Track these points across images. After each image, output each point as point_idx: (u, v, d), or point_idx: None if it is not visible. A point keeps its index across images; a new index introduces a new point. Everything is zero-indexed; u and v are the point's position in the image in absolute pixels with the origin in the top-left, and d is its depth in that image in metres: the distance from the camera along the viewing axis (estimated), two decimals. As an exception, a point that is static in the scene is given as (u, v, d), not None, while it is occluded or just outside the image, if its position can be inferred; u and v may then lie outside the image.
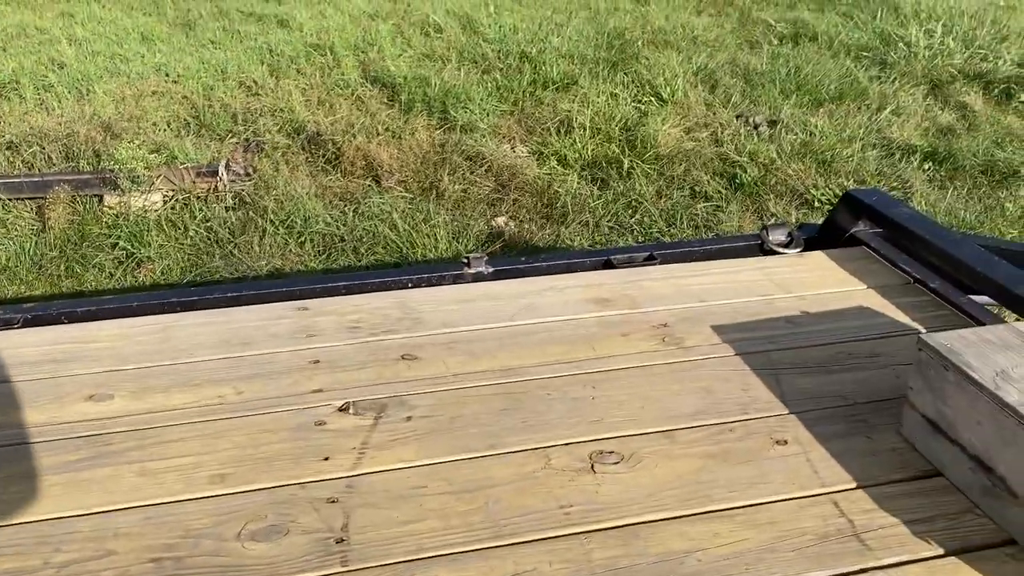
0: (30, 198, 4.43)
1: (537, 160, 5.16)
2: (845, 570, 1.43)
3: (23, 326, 2.16)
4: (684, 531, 1.51)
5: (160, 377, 1.94)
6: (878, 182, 4.98)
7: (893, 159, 5.27)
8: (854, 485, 1.62)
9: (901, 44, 6.62)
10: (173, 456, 1.70)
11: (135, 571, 1.43)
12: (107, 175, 4.48)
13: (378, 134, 5.24)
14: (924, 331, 2.08)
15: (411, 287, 2.38)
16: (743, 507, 1.57)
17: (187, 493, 1.60)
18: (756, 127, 5.56)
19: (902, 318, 2.16)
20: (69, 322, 2.19)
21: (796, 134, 5.41)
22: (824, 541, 1.49)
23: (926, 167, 5.23)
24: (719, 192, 4.90)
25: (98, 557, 1.46)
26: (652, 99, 5.74)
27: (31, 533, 1.51)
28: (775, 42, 6.83)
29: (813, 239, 2.59)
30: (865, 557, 1.46)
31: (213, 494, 1.60)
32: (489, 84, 5.89)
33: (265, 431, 1.77)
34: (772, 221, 3.91)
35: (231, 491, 1.61)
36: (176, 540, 1.49)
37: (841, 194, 2.70)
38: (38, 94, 5.54)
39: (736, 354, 2.02)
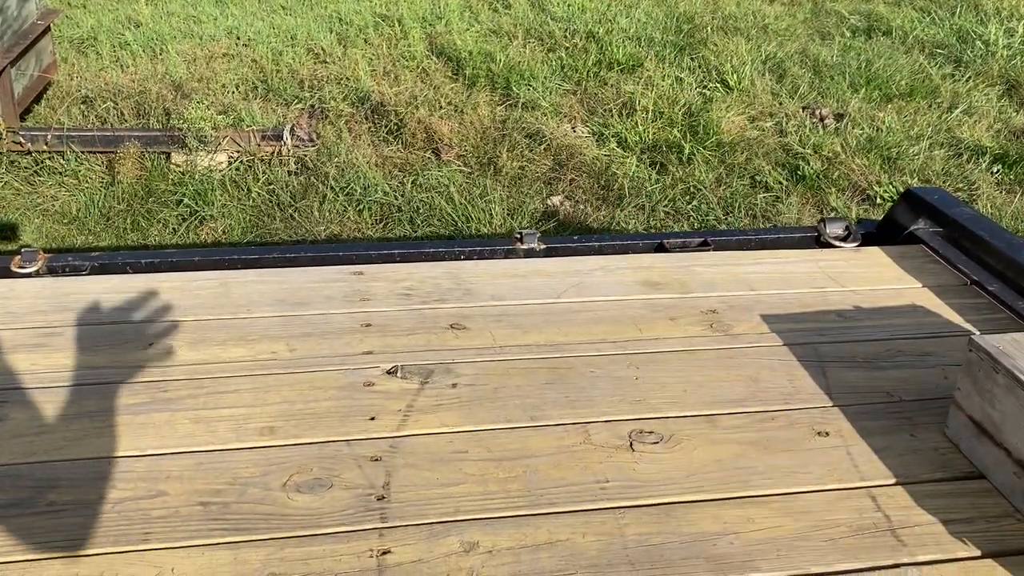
0: (101, 152, 4.56)
1: (597, 141, 5.15)
2: (878, 564, 1.44)
3: (90, 273, 2.24)
4: (718, 514, 1.53)
5: (217, 330, 2.00)
6: (943, 182, 4.88)
7: (960, 160, 5.15)
8: (893, 481, 1.62)
9: (979, 42, 6.44)
10: (226, 406, 1.75)
11: (184, 512, 1.49)
12: (176, 133, 4.59)
13: (440, 107, 5.28)
14: (977, 333, 2.05)
15: (463, 259, 2.41)
16: (780, 495, 1.58)
17: (237, 442, 1.66)
18: (822, 119, 5.48)
19: (955, 319, 2.14)
20: (133, 272, 2.27)
21: (863, 129, 5.31)
22: (859, 534, 1.49)
23: (995, 170, 5.10)
24: (780, 183, 4.85)
25: (150, 497, 1.52)
26: (718, 85, 5.69)
27: (89, 469, 1.58)
28: (847, 34, 6.70)
29: (871, 235, 2.57)
30: (899, 553, 1.46)
31: (262, 445, 1.66)
32: (554, 62, 5.88)
33: (315, 388, 1.82)
34: (832, 215, 3.86)
35: (279, 443, 1.66)
36: (224, 486, 1.55)
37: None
38: (114, 51, 5.67)
39: (784, 344, 2.01)
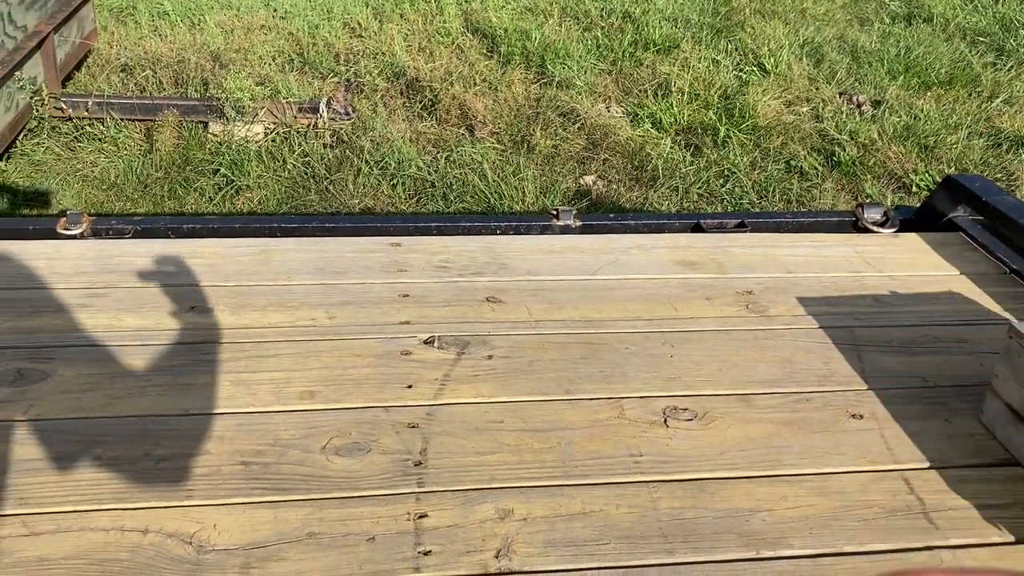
0: (140, 120, 4.60)
1: (631, 121, 5.13)
2: (910, 545, 1.44)
3: (133, 237, 2.28)
4: (752, 491, 1.54)
5: (257, 296, 2.03)
6: (982, 172, 4.82)
7: (1000, 150, 5.08)
8: (927, 465, 1.62)
9: (1022, 31, 6.33)
10: (266, 370, 1.78)
11: (226, 471, 1.52)
12: (213, 103, 4.62)
13: (475, 84, 5.27)
14: (1016, 321, 2.04)
15: (499, 234, 2.42)
16: (813, 474, 1.58)
17: (277, 405, 1.69)
18: (859, 106, 5.42)
19: (993, 307, 2.13)
20: (175, 237, 2.30)
21: (900, 116, 5.25)
22: (891, 516, 1.50)
23: (1035, 161, 5.03)
24: (815, 169, 4.81)
25: (193, 455, 1.56)
26: (754, 69, 5.64)
27: (133, 426, 1.61)
28: (887, 20, 6.61)
29: (909, 221, 2.55)
30: (932, 536, 1.46)
31: (302, 409, 1.69)
32: (589, 42, 5.85)
33: (354, 355, 1.84)
34: (869, 201, 3.82)
35: (319, 407, 1.69)
36: (265, 447, 1.58)
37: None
38: (152, 20, 5.71)
39: (820, 327, 2.01)
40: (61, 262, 2.12)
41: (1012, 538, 1.46)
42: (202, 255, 2.18)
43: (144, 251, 2.18)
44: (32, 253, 2.13)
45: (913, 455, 1.64)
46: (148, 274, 2.09)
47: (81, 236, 2.26)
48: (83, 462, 1.52)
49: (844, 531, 1.46)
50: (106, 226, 2.30)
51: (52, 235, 2.25)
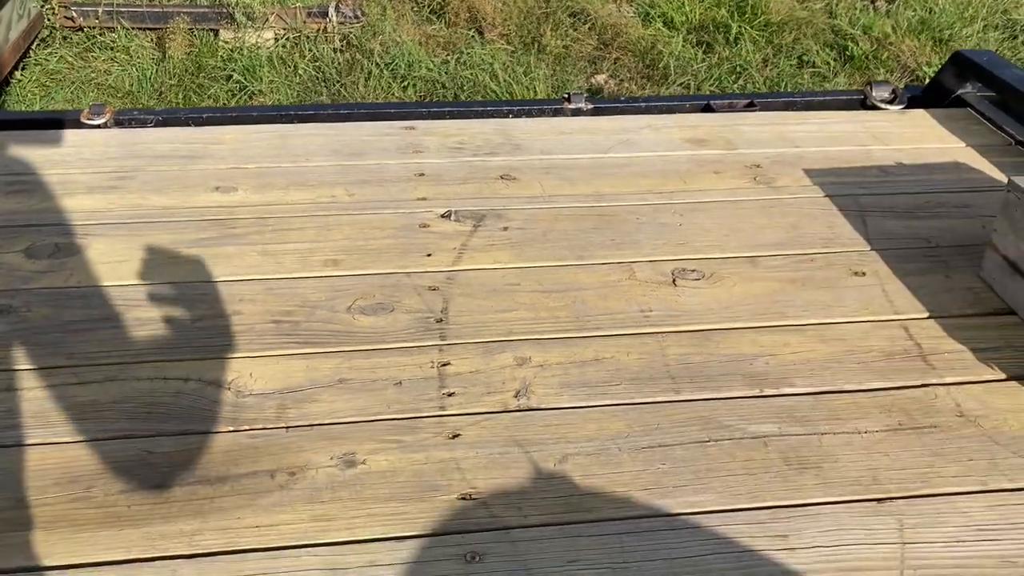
0: (151, 28, 4.60)
1: (642, 21, 5.09)
2: (907, 384, 1.52)
3: (155, 126, 2.34)
4: (756, 339, 1.62)
5: (278, 176, 2.10)
6: (997, 63, 4.78)
7: (1015, 42, 5.03)
8: (926, 315, 1.69)
9: (1043, -79, 6.18)
10: (291, 242, 1.86)
11: (259, 329, 1.61)
12: (223, 10, 4.61)
13: (484, -14, 5.22)
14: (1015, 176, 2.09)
15: (512, 117, 2.47)
16: (815, 324, 1.66)
17: (303, 272, 1.77)
18: (873, 2, 5.35)
19: (998, 175, 2.17)
20: (195, 125, 2.36)
21: (915, 11, 5.19)
22: (890, 358, 1.58)
23: (1051, 52, 4.98)
24: (827, 64, 4.78)
25: (226, 315, 1.64)
26: (767, -35, 5.55)
27: (168, 291, 1.70)
28: (905, -87, 6.45)
29: (917, 99, 2.57)
30: (928, 375, 1.54)
31: (327, 275, 1.77)
32: (599, -59, 5.76)
33: (374, 227, 1.92)
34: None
35: (343, 273, 1.77)
36: (294, 308, 1.67)
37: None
38: (157, -71, 5.65)
39: (825, 195, 2.07)
40: (88, 149, 2.18)
41: (1003, 375, 1.54)
42: (223, 141, 2.24)
43: (167, 137, 2.25)
44: (60, 141, 2.19)
45: (913, 306, 1.71)
46: (172, 158, 2.15)
47: (104, 126, 2.31)
48: (123, 323, 1.61)
49: (844, 372, 1.54)
50: (128, 117, 2.36)
51: (77, 125, 2.31)
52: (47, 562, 1.19)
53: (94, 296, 1.67)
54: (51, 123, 2.30)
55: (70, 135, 2.23)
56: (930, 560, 1.22)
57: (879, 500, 1.30)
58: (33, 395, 1.44)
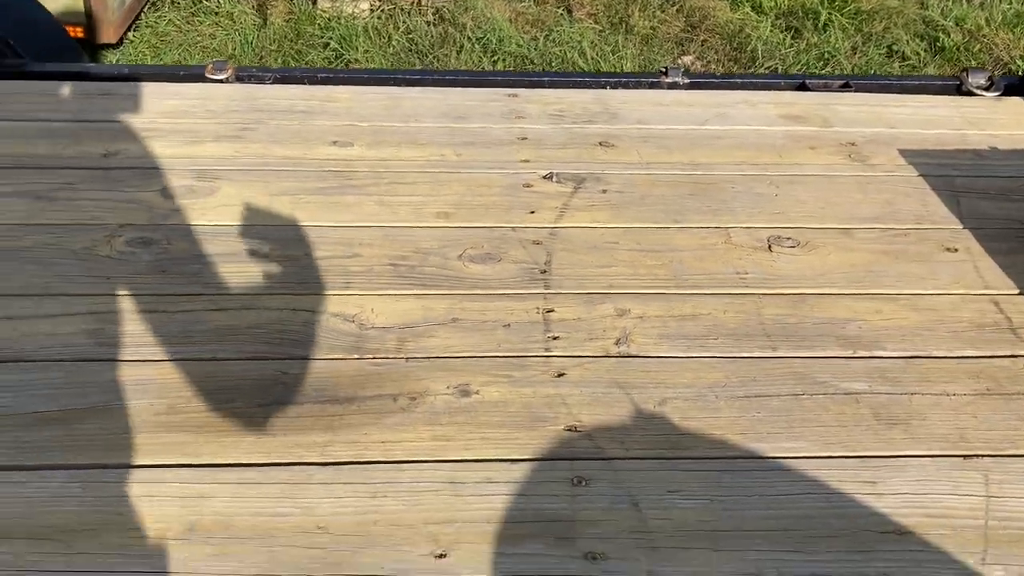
0: (252, -5, 4.78)
1: (731, 5, 5.10)
2: (995, 353, 1.58)
3: (273, 83, 2.47)
4: (849, 305, 1.69)
5: (391, 134, 2.21)
6: (1095, 59, 4.69)
7: (1116, 38, 4.92)
8: (1017, 292, 1.74)
9: None
10: (405, 195, 1.98)
11: (377, 270, 1.73)
12: (322, -20, 4.76)
13: (574, -35, 5.29)
14: None
15: (609, 88, 2.54)
16: (908, 294, 1.72)
17: (417, 222, 1.89)
18: (968, -7, 5.27)
19: (1095, 164, 2.18)
20: (310, 84, 2.49)
21: (1011, 3, 5.11)
22: (980, 329, 1.63)
23: None
24: (917, 54, 4.75)
25: (347, 256, 1.77)
26: (860, -47, 5.51)
27: (292, 233, 1.83)
28: (1006, -96, 6.32)
29: (1014, 87, 2.58)
30: (1017, 347, 1.60)
31: (439, 225, 1.88)
32: (691, -76, 5.77)
33: (481, 186, 2.02)
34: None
35: (453, 225, 1.88)
36: (409, 253, 1.79)
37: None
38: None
39: (919, 175, 2.11)
40: (212, 101, 2.33)
41: (1094, 351, 1.59)
42: (338, 99, 2.36)
43: (285, 94, 2.38)
44: (187, 93, 2.34)
45: (1004, 283, 1.76)
46: (291, 113, 2.28)
47: (226, 81, 2.46)
48: (253, 259, 1.75)
49: (935, 339, 1.60)
50: (248, 73, 2.50)
51: (201, 79, 2.45)
52: (197, 461, 1.32)
53: (226, 234, 1.81)
54: (178, 76, 2.45)
55: (196, 88, 2.37)
56: (1016, 514, 1.28)
57: (965, 456, 1.37)
58: (178, 317, 1.59)
